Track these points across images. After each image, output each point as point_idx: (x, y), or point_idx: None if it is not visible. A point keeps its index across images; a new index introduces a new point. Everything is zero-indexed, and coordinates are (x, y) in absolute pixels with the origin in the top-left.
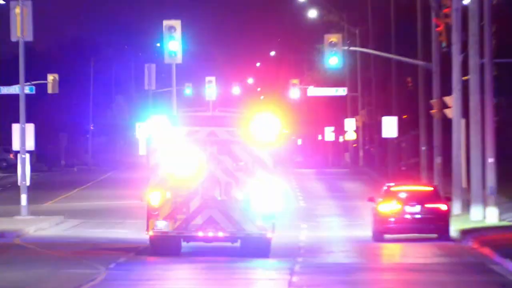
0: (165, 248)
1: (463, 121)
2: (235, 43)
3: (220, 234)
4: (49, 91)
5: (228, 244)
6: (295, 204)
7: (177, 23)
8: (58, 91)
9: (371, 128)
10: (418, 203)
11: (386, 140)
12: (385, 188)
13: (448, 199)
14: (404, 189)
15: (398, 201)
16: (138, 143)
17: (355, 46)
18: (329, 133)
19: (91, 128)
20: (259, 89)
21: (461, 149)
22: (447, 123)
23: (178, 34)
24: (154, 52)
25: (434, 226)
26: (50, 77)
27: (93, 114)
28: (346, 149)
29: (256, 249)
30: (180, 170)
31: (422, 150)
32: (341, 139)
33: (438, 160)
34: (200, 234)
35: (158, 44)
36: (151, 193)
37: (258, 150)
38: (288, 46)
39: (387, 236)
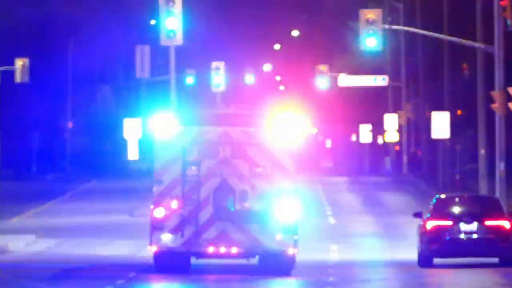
0: (171, 265)
1: None
2: (248, 20)
3: (234, 250)
4: (17, 79)
5: (244, 261)
6: (323, 220)
7: None
8: (29, 80)
9: (417, 127)
10: (475, 220)
11: (437, 141)
12: (434, 201)
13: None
14: (458, 202)
15: (450, 217)
16: (127, 145)
17: (398, 24)
18: (365, 133)
19: (70, 126)
20: (278, 77)
21: None
22: None
23: (177, 8)
24: (148, 32)
25: (495, 248)
26: (19, 63)
27: (72, 108)
28: (386, 152)
29: (276, 267)
30: (188, 176)
31: (481, 154)
32: (380, 140)
33: (501, 166)
34: (211, 249)
35: (153, 22)
36: (155, 203)
37: (279, 153)
38: (315, 24)
39: (436, 260)
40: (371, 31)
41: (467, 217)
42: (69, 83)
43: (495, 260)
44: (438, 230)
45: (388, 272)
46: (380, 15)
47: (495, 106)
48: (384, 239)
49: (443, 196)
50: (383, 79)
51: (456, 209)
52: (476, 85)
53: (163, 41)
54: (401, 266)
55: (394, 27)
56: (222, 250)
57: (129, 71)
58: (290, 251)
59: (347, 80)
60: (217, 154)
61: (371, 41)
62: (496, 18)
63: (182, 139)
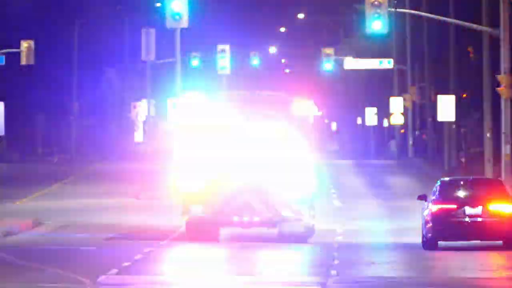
0: (201, 233)
1: None
2: (254, 2)
3: (256, 219)
4: (23, 61)
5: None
6: (328, 203)
7: None
8: (34, 62)
9: (423, 110)
10: (480, 203)
11: (442, 124)
12: (438, 184)
13: None
14: (462, 185)
15: (455, 200)
16: (133, 126)
17: (404, 7)
18: (370, 116)
19: (75, 107)
20: (283, 60)
21: None
22: None
23: None
24: (154, 14)
25: (500, 231)
26: (24, 44)
27: (77, 90)
28: (392, 135)
29: (293, 235)
30: (214, 152)
31: (487, 138)
32: (385, 123)
33: (507, 150)
34: (236, 219)
35: (159, 4)
36: (186, 177)
37: (296, 133)
38: (321, 7)
39: (441, 243)
40: (377, 14)
41: (472, 201)
42: (75, 66)
43: (499, 242)
44: (443, 213)
45: (393, 255)
46: None
47: (501, 89)
48: (389, 222)
49: (447, 179)
50: (389, 62)
51: (461, 193)
52: (482, 68)
53: (169, 24)
54: (406, 249)
55: (400, 10)
56: (246, 219)
57: (134, 54)
58: (306, 219)
59: (352, 63)
60: (241, 133)
61: (376, 24)
62: (502, 1)
63: (209, 118)
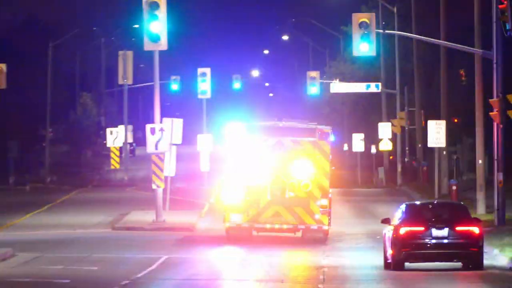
0: (238, 236)
1: None
2: (236, 23)
3: (285, 226)
4: None
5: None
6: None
7: None
8: (6, 86)
9: (412, 136)
10: (446, 226)
11: (432, 151)
12: (404, 207)
13: (479, 221)
14: (428, 208)
15: (422, 223)
16: (109, 154)
17: (392, 29)
18: (357, 142)
19: (49, 134)
20: (267, 84)
21: None
22: None
23: (162, 12)
24: (131, 36)
25: (465, 252)
26: None
27: (51, 116)
28: (380, 162)
29: (315, 238)
30: (252, 172)
31: (479, 164)
32: (373, 149)
33: (499, 177)
34: (268, 226)
35: (136, 26)
36: (228, 192)
37: (316, 157)
38: (306, 28)
39: (408, 264)
40: (364, 36)
41: (438, 223)
42: (48, 90)
43: (459, 264)
44: (411, 235)
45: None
46: (374, 19)
47: (493, 114)
48: (377, 252)
49: (412, 202)
50: (377, 86)
51: (427, 215)
52: (473, 92)
53: (147, 46)
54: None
55: (388, 31)
56: (276, 226)
57: (111, 78)
58: (325, 227)
59: (339, 87)
60: (273, 156)
61: (364, 46)
62: (494, 23)
63: (248, 143)
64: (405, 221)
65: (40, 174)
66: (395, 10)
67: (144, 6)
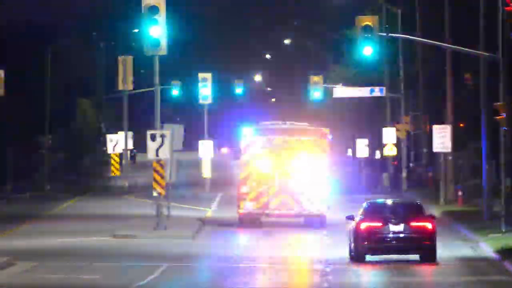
0: (249, 222)
1: None
2: (237, 27)
3: (290, 212)
4: None
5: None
6: (318, 239)
7: (160, 2)
8: (4, 92)
9: (417, 141)
10: (402, 221)
11: (438, 156)
12: (365, 205)
13: (433, 217)
14: (386, 206)
15: (380, 219)
16: (109, 161)
17: (396, 32)
18: (361, 147)
19: (47, 140)
20: (269, 89)
21: None
22: None
23: (162, 17)
24: (131, 41)
25: (420, 245)
26: None
27: (50, 122)
28: (384, 168)
29: (315, 223)
30: (262, 167)
31: (485, 169)
32: (377, 155)
33: (507, 182)
34: (276, 212)
35: (136, 30)
36: (242, 183)
37: (317, 153)
38: (308, 32)
39: (368, 257)
40: (368, 39)
41: (395, 219)
42: (47, 97)
43: (416, 256)
44: (370, 230)
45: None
46: (377, 22)
47: (499, 118)
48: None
49: (373, 201)
50: (381, 90)
51: (386, 212)
52: (479, 96)
53: (147, 51)
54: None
55: (392, 35)
56: (283, 212)
57: (110, 83)
58: (324, 213)
59: (342, 91)
60: (280, 154)
61: (367, 49)
62: (500, 26)
63: (258, 143)
64: (366, 217)
65: (39, 181)
66: (399, 13)
67: (144, 10)
